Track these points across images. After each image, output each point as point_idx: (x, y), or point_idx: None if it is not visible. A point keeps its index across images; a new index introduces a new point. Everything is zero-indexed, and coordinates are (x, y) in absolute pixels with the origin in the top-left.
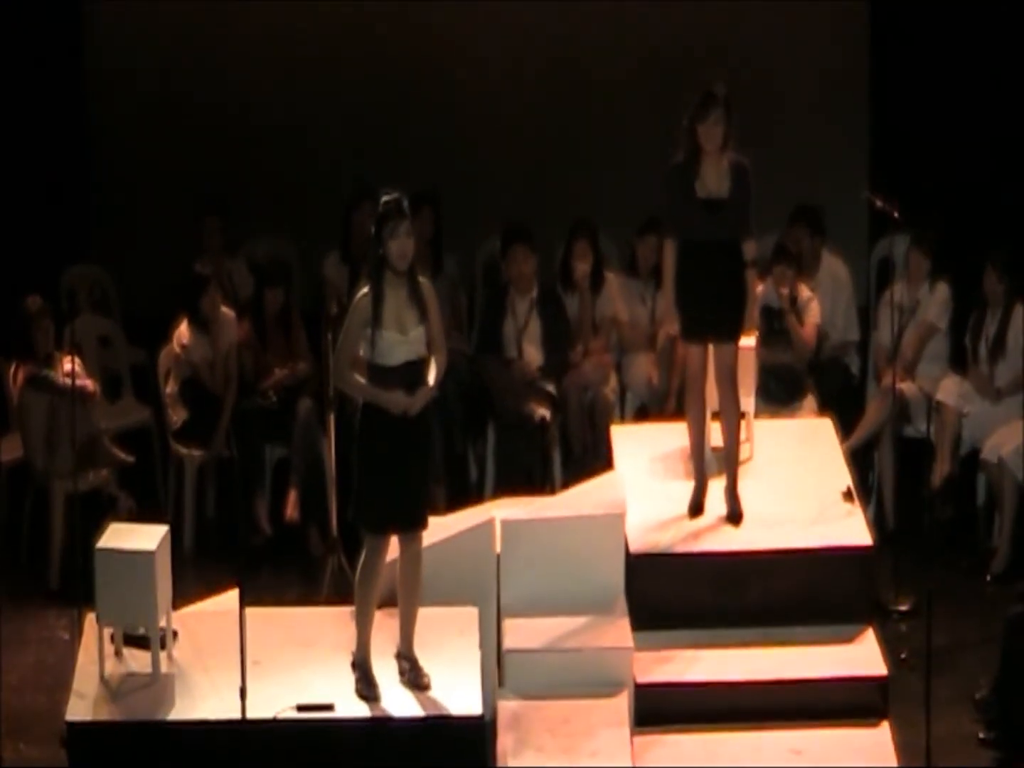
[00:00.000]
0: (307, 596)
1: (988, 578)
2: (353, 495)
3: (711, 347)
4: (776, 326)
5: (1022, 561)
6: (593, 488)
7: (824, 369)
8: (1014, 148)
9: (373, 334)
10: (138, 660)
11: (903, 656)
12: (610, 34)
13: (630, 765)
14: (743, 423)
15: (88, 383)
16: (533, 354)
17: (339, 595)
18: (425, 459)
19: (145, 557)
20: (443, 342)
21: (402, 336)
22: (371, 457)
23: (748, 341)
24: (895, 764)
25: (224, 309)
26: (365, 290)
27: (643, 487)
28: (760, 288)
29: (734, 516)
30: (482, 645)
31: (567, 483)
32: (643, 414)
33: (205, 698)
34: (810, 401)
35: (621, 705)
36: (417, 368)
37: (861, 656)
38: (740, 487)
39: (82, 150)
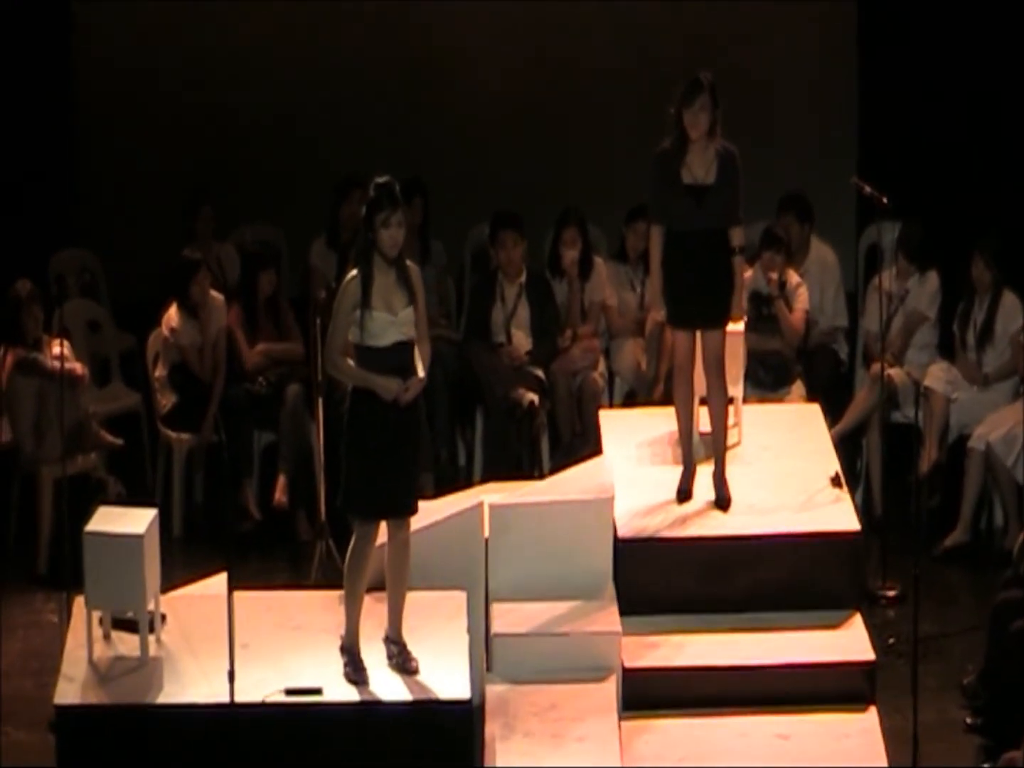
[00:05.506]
0: (295, 581)
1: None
2: (342, 483)
3: (699, 333)
4: (764, 312)
5: None
6: (581, 473)
7: (812, 355)
8: (1002, 137)
9: (363, 315)
10: (126, 644)
11: (890, 642)
12: (599, 24)
13: (618, 750)
14: (731, 409)
15: (77, 367)
16: (521, 340)
17: (327, 580)
18: (415, 446)
19: (134, 540)
20: (427, 331)
21: (392, 316)
22: (360, 445)
23: (736, 327)
24: (882, 750)
25: (213, 294)
26: (353, 273)
27: (631, 472)
28: (748, 274)
29: (722, 502)
30: (470, 630)
31: (555, 468)
32: (631, 399)
33: (193, 682)
34: (798, 387)
35: (609, 690)
36: (406, 349)
37: (848, 642)
38: (728, 473)
39: (70, 135)
